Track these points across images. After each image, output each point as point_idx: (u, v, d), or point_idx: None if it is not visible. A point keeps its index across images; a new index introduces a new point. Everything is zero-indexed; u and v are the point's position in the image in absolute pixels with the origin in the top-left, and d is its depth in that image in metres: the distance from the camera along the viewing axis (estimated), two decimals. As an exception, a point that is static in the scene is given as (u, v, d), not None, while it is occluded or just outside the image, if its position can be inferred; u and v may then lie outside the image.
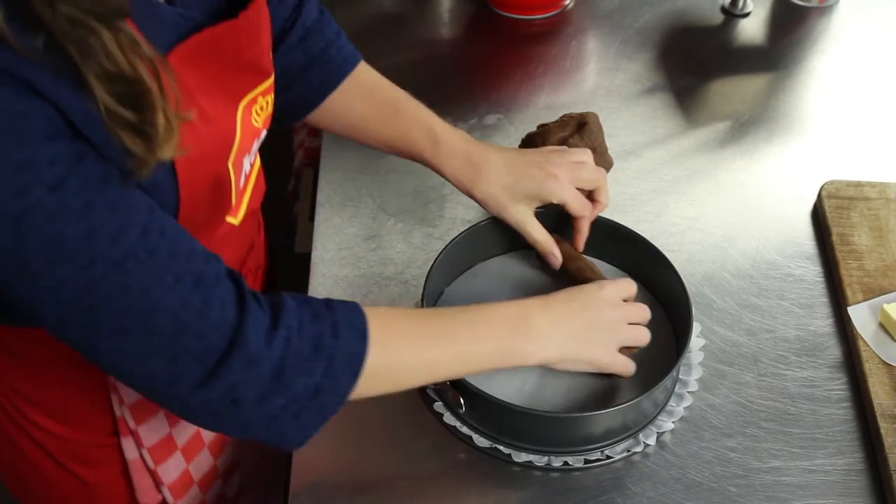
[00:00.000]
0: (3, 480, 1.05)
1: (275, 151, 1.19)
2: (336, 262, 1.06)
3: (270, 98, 0.86)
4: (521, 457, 0.88)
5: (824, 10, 1.46)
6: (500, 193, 0.97)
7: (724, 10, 1.46)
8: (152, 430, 0.94)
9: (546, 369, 0.91)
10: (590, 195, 0.99)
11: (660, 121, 1.26)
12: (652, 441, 0.89)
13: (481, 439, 0.89)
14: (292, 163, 1.53)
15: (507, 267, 1.04)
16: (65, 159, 0.61)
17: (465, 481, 0.88)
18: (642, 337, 0.89)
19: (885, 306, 0.97)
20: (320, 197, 1.14)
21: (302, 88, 0.98)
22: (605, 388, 0.92)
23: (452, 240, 0.99)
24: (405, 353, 0.79)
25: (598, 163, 1.11)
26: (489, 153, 0.98)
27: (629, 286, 0.91)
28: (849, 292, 1.02)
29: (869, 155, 1.22)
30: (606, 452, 0.88)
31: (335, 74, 0.98)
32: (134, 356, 0.68)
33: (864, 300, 1.01)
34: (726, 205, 1.15)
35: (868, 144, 1.24)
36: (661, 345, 0.93)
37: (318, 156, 1.22)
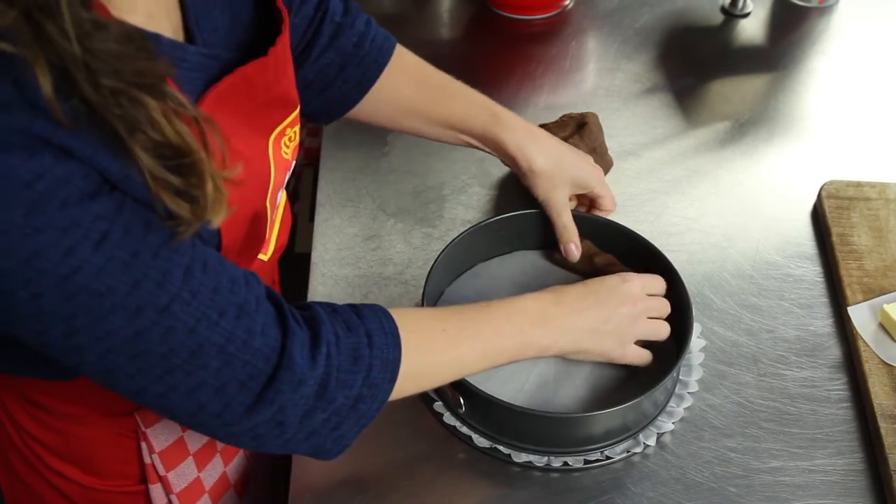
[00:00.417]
0: None
1: (275, 151, 1.19)
2: (336, 262, 1.06)
3: (297, 128, 0.85)
4: (520, 457, 0.88)
5: (824, 10, 1.46)
6: (555, 171, 1.00)
7: (724, 10, 1.46)
8: (181, 476, 0.92)
9: (544, 370, 0.92)
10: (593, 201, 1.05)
11: (660, 121, 1.26)
12: (652, 442, 0.89)
13: (481, 439, 0.89)
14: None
15: (507, 267, 1.04)
16: (107, 213, 0.60)
17: (465, 481, 0.88)
18: (661, 331, 0.91)
19: (885, 306, 0.97)
20: (320, 197, 1.14)
21: (339, 87, 0.97)
22: (605, 388, 0.92)
23: (453, 240, 0.99)
24: (436, 354, 0.80)
25: (597, 163, 1.11)
26: (544, 132, 1.03)
27: (657, 282, 0.92)
28: (849, 292, 1.02)
29: (869, 155, 1.22)
30: (606, 453, 0.88)
31: (372, 69, 0.97)
32: (182, 392, 0.67)
33: (864, 300, 1.01)
34: (726, 205, 1.15)
35: (868, 144, 1.24)
36: (662, 345, 0.93)
37: (317, 156, 1.22)
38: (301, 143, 1.48)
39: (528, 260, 1.05)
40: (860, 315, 0.99)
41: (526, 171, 1.01)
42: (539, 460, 0.88)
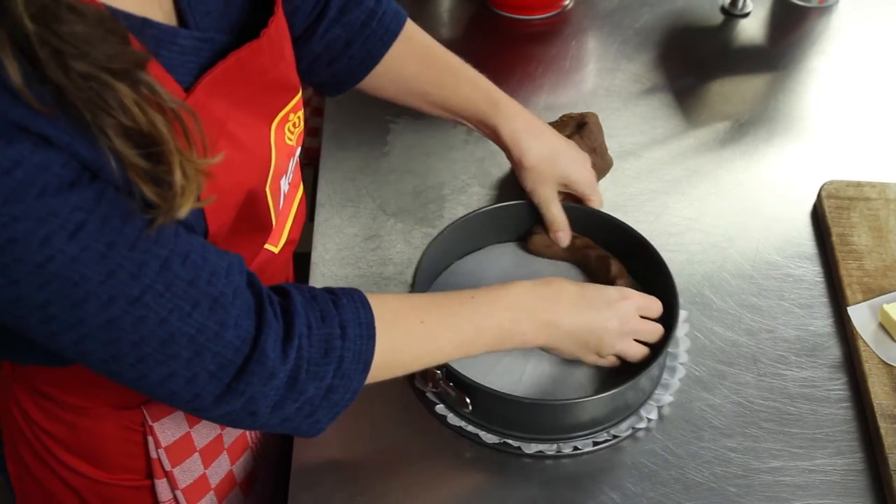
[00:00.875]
0: None
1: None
2: (336, 262, 1.06)
3: (301, 114, 0.85)
4: (531, 448, 0.89)
5: (824, 10, 1.46)
6: (545, 168, 1.01)
7: (723, 10, 1.46)
8: (187, 472, 0.93)
9: (539, 362, 0.94)
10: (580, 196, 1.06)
11: (659, 121, 1.26)
12: (654, 415, 0.91)
13: (489, 436, 0.89)
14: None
15: (497, 256, 1.05)
16: (85, 204, 0.60)
17: (474, 479, 0.88)
18: (638, 354, 0.91)
19: (885, 306, 0.97)
20: (320, 197, 1.14)
21: (346, 62, 0.97)
22: (599, 372, 0.94)
23: (450, 224, 1.00)
24: (412, 346, 0.80)
25: (597, 163, 1.11)
26: (545, 125, 1.03)
27: (654, 305, 0.92)
28: (848, 292, 1.02)
29: (869, 155, 1.22)
30: (612, 432, 0.90)
31: (378, 47, 0.97)
32: (154, 380, 0.68)
33: (864, 300, 1.01)
34: (726, 205, 1.15)
35: (868, 144, 1.24)
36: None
37: (317, 156, 1.21)
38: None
39: (521, 248, 1.07)
40: (860, 315, 0.99)
41: (516, 162, 1.02)
42: (549, 448, 0.88)
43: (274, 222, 0.84)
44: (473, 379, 0.87)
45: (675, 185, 1.17)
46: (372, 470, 0.88)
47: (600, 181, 1.15)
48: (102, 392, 0.86)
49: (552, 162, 1.01)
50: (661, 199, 1.15)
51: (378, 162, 1.19)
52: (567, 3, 1.46)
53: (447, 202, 1.14)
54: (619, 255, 1.02)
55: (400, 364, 0.81)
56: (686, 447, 0.90)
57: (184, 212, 0.62)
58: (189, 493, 0.94)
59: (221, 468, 0.96)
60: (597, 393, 0.91)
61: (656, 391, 0.93)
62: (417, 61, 1.00)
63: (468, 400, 0.88)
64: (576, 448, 0.89)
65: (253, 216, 0.80)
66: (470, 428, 0.90)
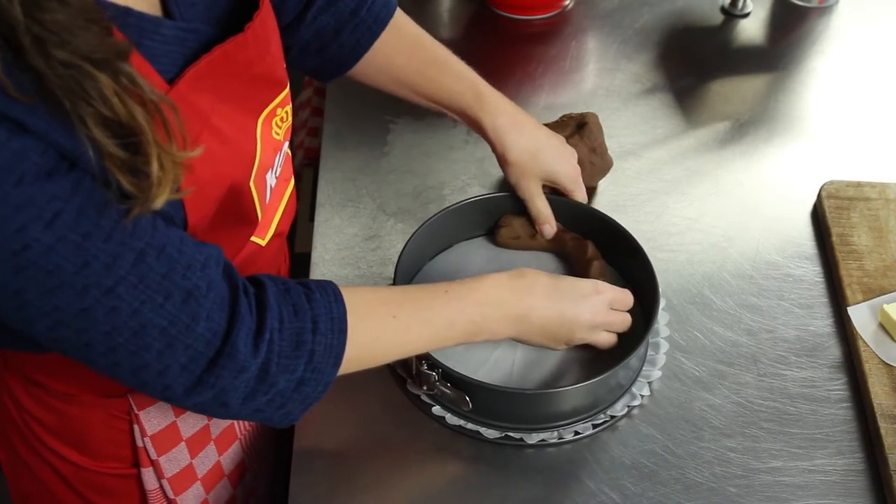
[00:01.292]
0: None
1: (275, 151, 1.19)
2: (336, 262, 1.06)
3: (289, 109, 0.86)
4: (532, 438, 0.89)
5: (824, 10, 1.46)
6: (527, 159, 1.01)
7: (723, 10, 1.46)
8: (173, 461, 0.93)
9: (525, 353, 0.95)
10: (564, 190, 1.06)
11: (660, 121, 1.26)
12: (646, 392, 0.93)
13: (490, 431, 0.90)
14: (292, 163, 1.52)
15: (478, 247, 1.07)
16: (62, 194, 0.61)
17: (477, 476, 0.88)
18: (610, 342, 0.93)
19: (885, 306, 0.97)
20: (320, 197, 1.14)
21: (335, 51, 0.98)
22: (586, 356, 0.95)
23: (427, 220, 1.01)
24: (383, 341, 0.82)
25: (597, 163, 1.11)
26: (529, 119, 1.03)
27: (627, 298, 0.93)
28: (848, 292, 1.02)
29: (869, 155, 1.22)
30: (609, 413, 0.91)
31: (366, 37, 0.98)
32: (126, 369, 0.70)
33: (864, 300, 1.01)
34: (726, 205, 1.15)
35: (868, 144, 1.24)
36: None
37: (317, 156, 1.22)
38: (301, 142, 1.49)
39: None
40: (860, 315, 0.99)
41: (500, 156, 1.03)
42: (551, 436, 0.89)
43: (260, 216, 0.84)
44: (470, 377, 0.87)
45: (675, 185, 1.17)
46: (372, 470, 0.88)
47: (600, 181, 1.15)
48: (89, 380, 0.87)
49: (535, 157, 1.01)
50: (661, 199, 1.15)
51: (378, 162, 1.19)
52: (567, 3, 1.46)
53: (447, 202, 1.14)
54: (596, 242, 1.03)
55: (371, 357, 0.82)
56: (686, 447, 0.90)
57: (159, 203, 0.62)
58: (175, 482, 0.94)
59: (209, 459, 0.97)
60: (584, 375, 0.93)
61: (644, 368, 0.95)
62: (405, 53, 1.00)
63: (468, 398, 0.88)
64: (576, 433, 0.90)
65: (237, 210, 0.80)
66: (470, 426, 0.90)
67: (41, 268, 0.62)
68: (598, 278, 0.98)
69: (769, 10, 1.46)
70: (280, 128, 0.84)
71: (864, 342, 0.97)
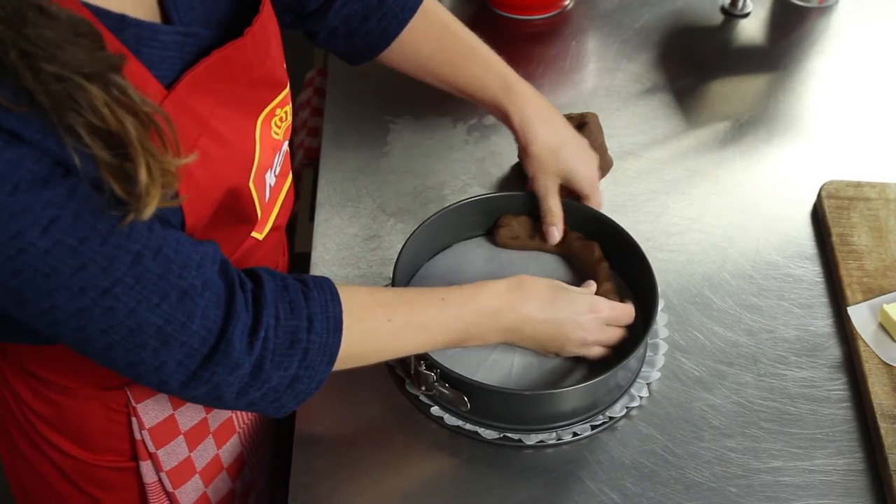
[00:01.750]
0: (17, 499, 1.04)
1: (275, 151, 1.19)
2: (336, 262, 1.06)
3: (289, 108, 0.86)
4: (531, 439, 0.89)
5: (824, 10, 1.46)
6: (548, 154, 1.00)
7: (723, 10, 1.45)
8: (171, 454, 0.94)
9: (523, 354, 0.95)
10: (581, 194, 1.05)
11: (659, 121, 1.26)
12: (645, 393, 0.93)
13: (489, 431, 0.89)
14: (292, 163, 1.52)
15: (479, 248, 1.06)
16: (58, 200, 0.62)
17: (476, 477, 0.88)
18: (600, 355, 0.93)
19: (885, 306, 0.97)
20: (320, 197, 1.14)
21: (362, 38, 0.98)
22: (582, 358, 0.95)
23: (426, 220, 1.01)
24: (377, 342, 0.82)
25: (597, 163, 1.11)
26: (557, 114, 1.03)
27: (625, 315, 0.93)
28: (848, 292, 1.02)
29: (869, 155, 1.22)
30: (608, 414, 0.91)
31: (394, 25, 0.97)
32: (123, 364, 0.71)
33: (864, 300, 1.01)
34: (726, 205, 1.15)
35: (868, 144, 1.24)
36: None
37: (317, 156, 1.21)
38: (301, 142, 1.48)
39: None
40: (860, 315, 0.99)
41: (522, 147, 1.02)
42: (549, 437, 0.89)
43: (259, 215, 0.85)
44: (469, 377, 0.87)
45: (675, 185, 1.17)
46: (370, 470, 0.89)
47: (600, 181, 1.15)
48: (87, 373, 0.87)
49: (556, 153, 1.01)
50: (661, 199, 1.15)
51: (378, 162, 1.19)
52: (567, 3, 1.45)
53: (447, 202, 1.13)
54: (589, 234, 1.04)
55: (364, 357, 0.83)
56: (686, 447, 0.90)
57: (149, 211, 0.63)
58: (174, 475, 0.95)
59: (207, 452, 0.97)
60: (582, 375, 0.93)
61: (643, 369, 0.95)
62: (433, 41, 1.00)
63: (466, 399, 0.88)
64: (575, 434, 0.90)
65: (237, 210, 0.80)
66: (468, 426, 0.90)
67: (38, 271, 0.63)
68: (604, 280, 0.98)
69: (769, 10, 1.46)
70: (279, 127, 0.84)
71: (864, 342, 0.97)
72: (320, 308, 0.77)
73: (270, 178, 0.85)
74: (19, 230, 0.61)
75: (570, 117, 1.14)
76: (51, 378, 0.89)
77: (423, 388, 0.90)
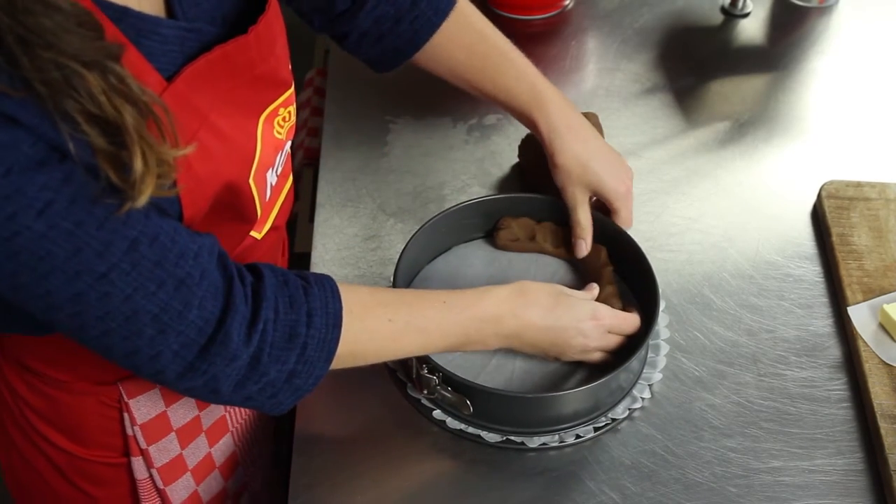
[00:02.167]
0: (12, 493, 1.04)
1: (275, 151, 1.19)
2: (336, 262, 1.06)
3: (292, 109, 0.86)
4: (534, 441, 0.89)
5: (824, 10, 1.46)
6: (575, 166, 0.99)
7: (723, 10, 1.46)
8: (163, 450, 0.94)
9: (525, 358, 0.95)
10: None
11: (659, 121, 1.26)
12: (647, 394, 0.93)
13: (491, 435, 0.89)
14: (292, 163, 1.52)
15: (479, 250, 1.06)
16: (53, 184, 0.62)
17: (477, 479, 0.88)
18: (601, 360, 0.93)
19: (885, 306, 0.97)
20: (320, 197, 1.14)
21: (393, 40, 0.97)
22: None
23: (425, 223, 1.00)
24: (376, 342, 0.82)
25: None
26: (588, 126, 1.01)
27: (626, 325, 0.93)
28: (848, 292, 1.02)
29: (869, 155, 1.22)
30: (610, 416, 0.91)
31: (426, 28, 0.96)
32: (119, 352, 0.71)
33: (864, 300, 1.01)
34: (726, 205, 1.15)
35: (868, 144, 1.24)
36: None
37: (317, 156, 1.22)
38: (301, 143, 1.49)
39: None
40: (860, 315, 0.99)
41: (549, 159, 1.00)
42: (552, 440, 0.89)
43: (259, 213, 0.85)
44: (471, 381, 0.87)
45: (675, 185, 1.17)
46: (371, 472, 0.89)
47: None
48: (81, 367, 0.88)
49: (584, 165, 0.99)
50: (661, 199, 1.15)
51: (378, 162, 1.19)
52: (567, 3, 1.46)
53: (447, 202, 1.14)
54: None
55: (363, 356, 0.83)
56: (686, 447, 0.90)
57: (143, 199, 0.63)
58: (165, 472, 0.95)
59: (199, 450, 0.97)
60: (584, 378, 0.93)
61: (645, 370, 0.95)
62: (465, 48, 0.99)
63: (469, 402, 0.88)
64: (577, 436, 0.90)
65: (236, 206, 0.80)
66: (471, 430, 0.90)
67: (33, 253, 0.63)
68: (607, 284, 0.98)
69: (769, 10, 1.46)
70: (282, 127, 0.84)
71: (864, 342, 0.97)
72: (320, 304, 0.77)
73: (272, 177, 0.85)
74: (14, 212, 0.61)
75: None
76: (46, 372, 0.89)
77: (425, 392, 0.90)
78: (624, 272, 1.01)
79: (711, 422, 0.92)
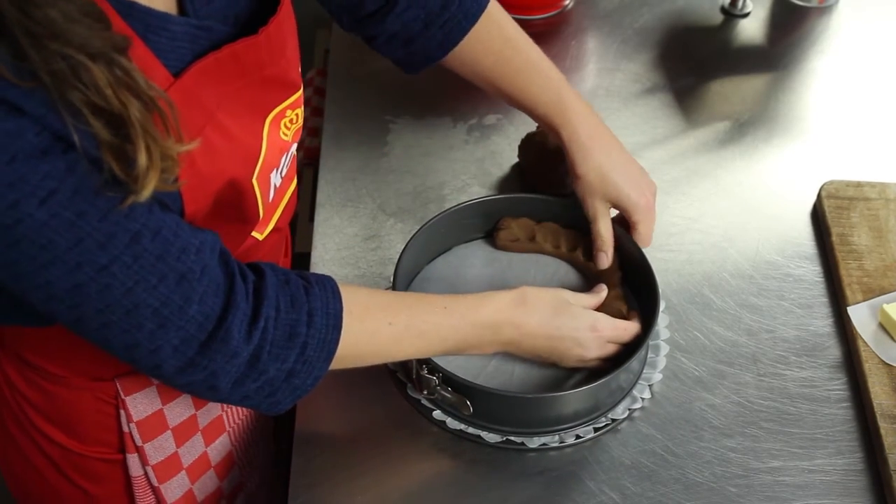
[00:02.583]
0: (9, 487, 1.05)
1: (275, 151, 1.19)
2: (336, 262, 1.06)
3: (300, 111, 0.86)
4: (534, 442, 0.89)
5: (824, 10, 1.46)
6: (595, 177, 0.98)
7: (723, 10, 1.45)
8: (158, 448, 0.94)
9: (522, 363, 0.94)
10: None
11: (659, 121, 1.26)
12: (647, 395, 0.93)
13: (492, 435, 0.89)
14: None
15: (479, 250, 1.06)
16: (56, 173, 0.62)
17: (477, 479, 0.88)
18: (599, 366, 0.93)
19: (885, 306, 0.97)
20: (320, 197, 1.14)
21: (422, 44, 0.96)
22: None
23: (425, 223, 1.00)
24: (375, 345, 0.82)
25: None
26: (612, 138, 1.00)
27: (626, 334, 0.92)
28: (848, 292, 1.02)
29: (869, 155, 1.22)
30: (610, 416, 0.91)
31: (455, 32, 0.96)
32: (118, 345, 0.71)
33: (864, 300, 1.01)
34: (726, 205, 1.15)
35: (868, 144, 1.24)
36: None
37: (317, 156, 1.22)
38: (301, 143, 1.48)
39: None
40: (860, 315, 0.99)
41: (570, 169, 0.99)
42: (552, 440, 0.89)
43: (262, 214, 0.85)
44: (471, 381, 0.87)
45: (675, 185, 1.17)
46: (371, 471, 0.89)
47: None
48: (79, 362, 0.88)
49: (604, 177, 0.97)
50: (661, 199, 1.14)
51: (378, 162, 1.19)
52: (567, 3, 1.45)
53: (447, 202, 1.14)
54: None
55: (360, 358, 0.83)
56: (686, 447, 0.90)
57: (146, 193, 0.63)
58: (160, 469, 0.95)
59: (195, 449, 0.97)
60: (584, 378, 0.93)
61: (645, 370, 0.95)
62: (494, 54, 0.98)
63: (469, 403, 0.88)
64: (577, 436, 0.90)
65: (238, 206, 0.80)
66: (471, 430, 0.90)
67: (34, 242, 0.63)
68: (615, 286, 0.98)
69: (769, 10, 1.46)
70: (289, 129, 0.84)
71: (864, 342, 0.97)
72: (321, 304, 0.77)
73: (276, 179, 0.86)
74: (17, 199, 0.61)
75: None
76: (44, 366, 0.89)
77: (426, 392, 0.90)
78: (624, 272, 1.01)
79: (711, 422, 0.92)
